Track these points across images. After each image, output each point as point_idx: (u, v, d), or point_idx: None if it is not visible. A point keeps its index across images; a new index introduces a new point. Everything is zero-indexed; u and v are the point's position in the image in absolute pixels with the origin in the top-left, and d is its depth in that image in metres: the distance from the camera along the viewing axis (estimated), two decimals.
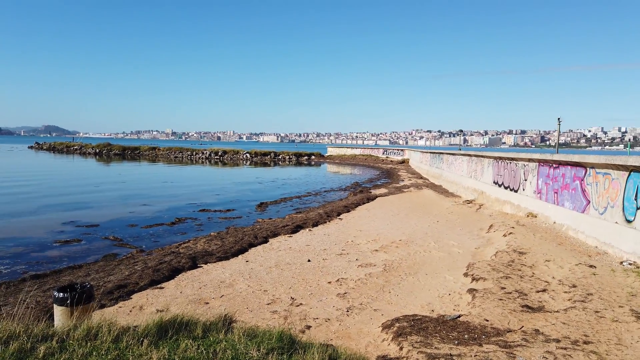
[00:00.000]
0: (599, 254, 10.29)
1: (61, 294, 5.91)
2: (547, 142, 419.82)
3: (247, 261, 11.45)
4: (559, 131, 44.98)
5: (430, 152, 45.30)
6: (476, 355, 5.21)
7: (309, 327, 6.97)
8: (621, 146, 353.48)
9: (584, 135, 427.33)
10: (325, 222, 17.25)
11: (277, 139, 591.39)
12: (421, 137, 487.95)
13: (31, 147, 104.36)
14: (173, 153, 78.47)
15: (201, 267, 10.93)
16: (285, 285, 9.35)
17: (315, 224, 16.70)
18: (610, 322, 6.14)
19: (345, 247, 12.90)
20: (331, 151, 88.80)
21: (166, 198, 24.71)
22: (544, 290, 7.79)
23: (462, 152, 30.96)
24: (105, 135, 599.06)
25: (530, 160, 16.83)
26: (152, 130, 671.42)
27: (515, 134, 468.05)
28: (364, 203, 22.88)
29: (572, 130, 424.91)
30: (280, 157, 76.80)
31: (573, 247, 11.00)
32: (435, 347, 5.58)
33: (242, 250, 12.59)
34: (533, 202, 16.13)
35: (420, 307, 7.75)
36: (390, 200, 24.05)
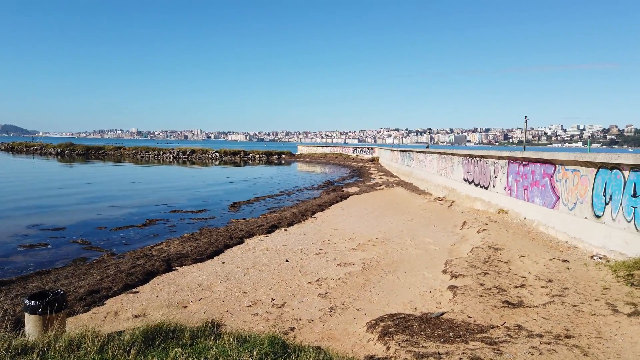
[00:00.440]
0: (570, 249, 10.61)
1: (32, 301, 5.62)
2: (510, 140, 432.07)
3: (223, 262, 11.24)
4: (526, 129, 46.33)
5: (400, 151, 45.84)
6: (464, 353, 5.25)
7: (292, 329, 6.87)
8: (580, 143, 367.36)
9: (545, 133, 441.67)
10: (301, 222, 17.16)
11: (246, 138, 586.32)
12: (389, 136, 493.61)
13: None
14: (139, 153, 76.55)
15: (176, 269, 10.66)
16: (265, 286, 9.22)
17: (291, 224, 16.58)
18: (589, 315, 6.31)
19: (323, 246, 12.85)
20: (301, 150, 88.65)
21: (135, 199, 24.04)
22: (522, 286, 7.95)
23: (432, 150, 31.42)
24: (67, 134, 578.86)
25: (500, 157, 17.22)
26: (116, 130, 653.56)
27: (480, 132, 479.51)
28: (337, 202, 22.90)
29: (533, 128, 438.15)
30: (250, 156, 76.11)
31: (545, 243, 11.31)
32: (422, 346, 5.60)
33: (218, 252, 12.36)
34: (504, 199, 16.51)
35: (402, 306, 7.77)
36: (363, 199, 24.17)
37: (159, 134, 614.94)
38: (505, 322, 6.33)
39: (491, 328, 6.16)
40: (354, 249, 12.43)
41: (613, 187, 9.91)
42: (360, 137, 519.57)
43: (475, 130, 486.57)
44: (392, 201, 22.82)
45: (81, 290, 8.94)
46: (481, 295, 7.49)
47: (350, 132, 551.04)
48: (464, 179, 21.63)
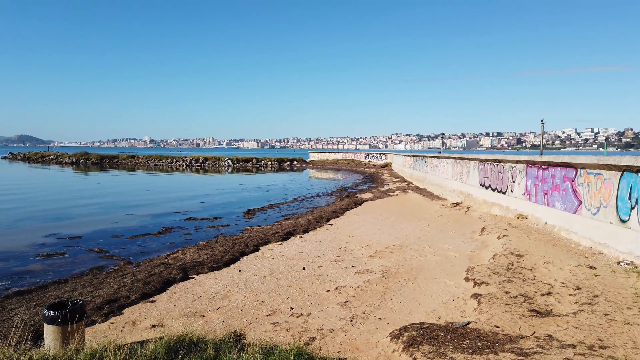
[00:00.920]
0: (595, 255, 10.30)
1: (52, 312, 5.56)
2: (523, 144, 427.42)
3: (240, 270, 11.13)
4: (543, 133, 45.70)
5: (414, 156, 45.50)
6: None
7: (313, 339, 6.71)
8: (594, 147, 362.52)
9: (558, 137, 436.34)
10: (316, 228, 17.01)
11: (258, 145, 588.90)
12: (400, 141, 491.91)
13: (5, 158, 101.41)
14: (153, 161, 77.17)
15: (193, 278, 10.58)
16: (283, 295, 9.08)
17: (306, 231, 16.45)
18: (622, 324, 6.06)
19: (339, 253, 12.68)
20: (313, 156, 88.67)
21: (150, 207, 24.11)
22: (549, 294, 7.70)
23: (446, 154, 31.11)
24: (82, 144, 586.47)
25: (518, 162, 16.92)
26: (129, 138, 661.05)
27: (492, 136, 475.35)
28: (351, 208, 22.72)
29: (546, 132, 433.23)
30: (262, 163, 76.23)
31: (568, 248, 11.01)
32: (450, 357, 5.40)
33: (234, 260, 12.27)
34: (523, 204, 16.19)
35: (425, 315, 7.57)
36: (377, 205, 23.95)
37: (171, 142, 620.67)
38: (534, 332, 6.10)
39: (520, 338, 5.94)
40: (372, 256, 12.24)
41: (639, 190, 9.62)
42: (371, 143, 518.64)
43: (487, 135, 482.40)
44: (407, 207, 22.57)
45: (99, 299, 8.89)
46: (507, 304, 7.26)
47: (361, 137, 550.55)
48: (481, 184, 21.32)
